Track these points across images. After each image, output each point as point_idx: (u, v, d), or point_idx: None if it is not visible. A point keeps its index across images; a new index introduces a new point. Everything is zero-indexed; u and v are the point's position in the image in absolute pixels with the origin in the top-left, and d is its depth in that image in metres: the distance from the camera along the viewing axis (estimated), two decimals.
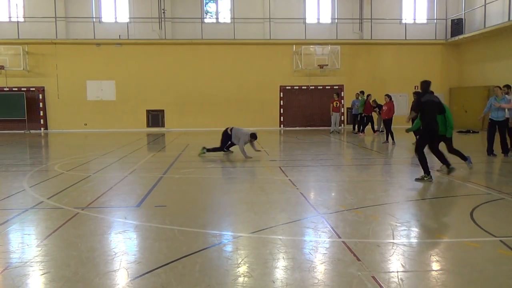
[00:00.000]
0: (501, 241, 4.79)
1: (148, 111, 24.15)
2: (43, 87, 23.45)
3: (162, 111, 24.21)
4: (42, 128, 23.57)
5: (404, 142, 15.97)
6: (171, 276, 3.89)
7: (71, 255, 4.43)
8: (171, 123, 24.15)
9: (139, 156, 13.04)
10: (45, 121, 23.66)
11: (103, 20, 24.05)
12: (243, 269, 4.06)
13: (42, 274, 3.98)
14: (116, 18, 24.21)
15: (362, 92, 20.40)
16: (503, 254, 4.43)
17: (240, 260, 4.29)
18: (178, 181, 8.73)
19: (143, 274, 3.93)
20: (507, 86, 12.71)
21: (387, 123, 15.92)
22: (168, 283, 3.73)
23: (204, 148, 12.48)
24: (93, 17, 23.62)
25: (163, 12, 23.51)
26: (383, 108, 16.21)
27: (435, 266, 4.17)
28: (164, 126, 24.21)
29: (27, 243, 4.89)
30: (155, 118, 24.27)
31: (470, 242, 4.79)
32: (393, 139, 15.59)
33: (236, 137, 12.07)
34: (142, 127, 24.02)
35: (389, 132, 15.79)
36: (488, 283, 3.77)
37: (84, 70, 23.46)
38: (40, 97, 23.47)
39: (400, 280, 3.75)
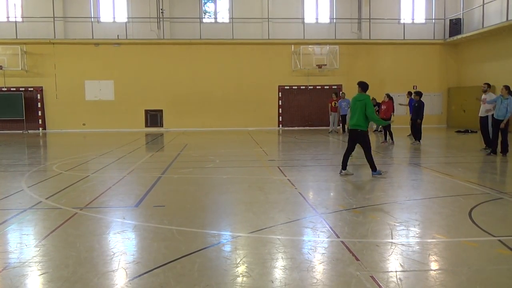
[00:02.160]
0: (499, 240, 4.80)
1: (146, 111, 24.13)
2: (42, 87, 23.41)
3: (161, 111, 24.20)
4: (40, 128, 23.54)
5: (403, 142, 16.00)
6: (170, 276, 3.88)
7: (69, 255, 4.42)
8: (170, 123, 24.14)
9: (137, 156, 13.03)
10: (44, 121, 23.63)
11: (102, 20, 24.02)
12: (242, 269, 4.06)
13: (40, 274, 3.97)
14: (114, 18, 24.19)
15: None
16: (502, 254, 4.44)
17: (239, 260, 4.29)
18: (176, 181, 8.73)
19: (142, 274, 3.93)
20: (488, 85, 12.79)
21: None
22: (166, 283, 3.73)
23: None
24: (91, 17, 23.59)
25: (162, 12, 23.49)
26: (382, 107, 16.17)
27: (434, 265, 4.17)
28: (162, 126, 24.19)
29: (26, 243, 4.88)
30: (154, 118, 24.25)
31: (468, 241, 4.80)
32: (392, 139, 15.59)
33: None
34: (141, 127, 24.00)
35: (387, 131, 15.77)
36: (487, 282, 3.77)
37: (83, 70, 23.43)
38: (39, 97, 23.43)
39: (398, 280, 3.75)
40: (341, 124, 20.87)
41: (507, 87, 11.77)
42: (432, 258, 4.35)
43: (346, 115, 20.17)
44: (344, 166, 9.04)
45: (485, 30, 21.28)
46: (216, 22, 24.88)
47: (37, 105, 23.47)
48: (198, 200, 7.17)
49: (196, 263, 4.19)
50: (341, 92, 21.72)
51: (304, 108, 24.68)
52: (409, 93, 17.76)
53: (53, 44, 23.13)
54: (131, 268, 4.08)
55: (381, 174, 8.85)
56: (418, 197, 7.25)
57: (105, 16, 24.15)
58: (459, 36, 23.51)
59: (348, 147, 9.09)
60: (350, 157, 9.22)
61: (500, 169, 10.34)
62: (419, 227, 5.38)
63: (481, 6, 21.91)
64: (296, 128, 24.41)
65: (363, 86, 9.07)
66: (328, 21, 24.98)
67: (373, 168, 8.88)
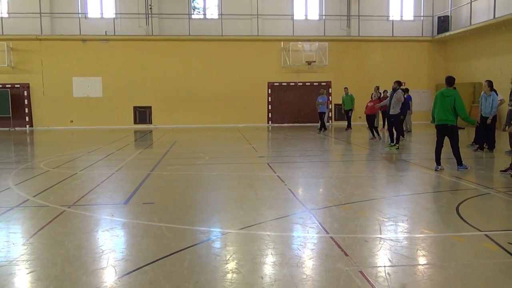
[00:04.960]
0: (486, 235, 4.86)
1: (135, 108, 23.98)
2: (28, 83, 23.12)
3: (150, 107, 24.06)
4: (27, 125, 23.27)
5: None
6: (159, 273, 3.87)
7: (57, 253, 4.38)
8: (159, 120, 24.02)
9: (126, 153, 12.95)
10: (30, 118, 23.36)
11: (89, 16, 23.78)
12: (231, 265, 4.06)
13: (28, 273, 3.93)
14: (102, 14, 23.95)
15: (347, 89, 20.54)
16: (488, 248, 4.49)
17: (229, 256, 4.29)
18: (166, 178, 8.69)
19: (131, 272, 3.91)
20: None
21: (370, 119, 15.84)
22: (156, 280, 3.72)
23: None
24: (78, 13, 23.33)
25: (150, 8, 23.33)
26: (368, 104, 16.12)
27: (422, 260, 4.22)
28: (151, 123, 24.07)
29: (13, 242, 4.82)
30: (142, 114, 24.11)
31: (456, 236, 4.85)
32: (378, 134, 15.70)
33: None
34: (129, 124, 23.85)
35: (372, 128, 15.76)
36: (474, 276, 3.82)
37: (70, 66, 23.19)
38: (25, 94, 23.15)
39: (387, 275, 3.78)
40: (320, 122, 19.90)
41: (490, 84, 11.87)
42: (420, 253, 4.39)
43: (324, 112, 19.71)
44: (438, 162, 9.03)
45: (472, 27, 21.48)
46: (205, 18, 24.79)
47: (24, 102, 23.19)
48: (187, 197, 7.15)
49: (186, 260, 4.18)
50: (321, 89, 20.93)
51: (294, 105, 24.72)
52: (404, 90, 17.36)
53: (40, 40, 22.86)
54: (120, 266, 4.06)
55: (467, 168, 8.91)
56: (406, 193, 7.31)
57: (93, 12, 23.89)
58: (447, 34, 23.70)
59: (438, 142, 9.14)
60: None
61: (486, 165, 10.46)
62: (407, 223, 5.43)
63: (469, 4, 22.10)
64: (285, 124, 24.44)
65: (449, 81, 8.96)
66: (317, 17, 25.03)
67: (459, 162, 8.95)
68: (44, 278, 3.79)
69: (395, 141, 12.89)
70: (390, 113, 12.93)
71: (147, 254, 4.34)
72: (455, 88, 9.17)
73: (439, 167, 9.02)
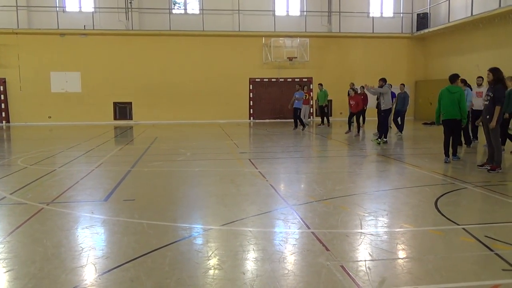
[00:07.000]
0: (463, 229, 4.96)
1: (115, 104, 23.68)
2: (4, 78, 22.61)
3: (130, 103, 23.79)
4: (4, 121, 22.77)
5: (370, 134, 16.24)
6: (140, 270, 3.84)
7: (36, 251, 4.31)
8: (139, 116, 23.77)
9: (106, 150, 12.79)
10: (7, 113, 22.86)
11: (67, 9, 23.33)
12: (213, 261, 4.06)
13: (6, 272, 3.86)
14: (80, 7, 23.53)
15: (321, 85, 20.62)
16: (466, 241, 4.59)
17: (211, 252, 4.29)
18: (147, 174, 8.62)
19: (112, 269, 3.87)
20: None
21: (356, 115, 16.06)
22: (137, 278, 3.69)
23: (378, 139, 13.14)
24: (56, 6, 22.88)
25: (130, 2, 23.00)
26: (351, 102, 16.27)
27: (401, 254, 4.28)
28: (132, 119, 23.81)
29: None
30: (123, 110, 23.82)
31: (434, 230, 4.94)
32: (358, 130, 15.89)
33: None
34: (109, 119, 23.55)
35: (354, 122, 15.94)
36: (452, 269, 3.89)
37: (48, 61, 22.74)
38: (1, 89, 22.63)
39: (367, 269, 3.83)
40: (294, 119, 19.01)
41: (462, 80, 12.04)
42: (400, 247, 4.46)
43: (299, 108, 18.67)
44: (447, 154, 9.62)
45: (450, 24, 21.84)
46: (186, 13, 24.58)
47: (0, 97, 22.67)
48: (169, 193, 7.11)
49: (167, 256, 4.16)
50: (296, 85, 20.16)
51: (275, 101, 24.75)
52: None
53: (16, 34, 22.34)
54: (101, 263, 4.02)
55: (459, 159, 9.78)
56: (386, 188, 7.41)
57: (71, 5, 23.45)
58: (426, 30, 24.04)
59: (446, 136, 9.64)
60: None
61: (464, 160, 10.64)
62: (387, 217, 5.50)
63: (447, 1, 22.46)
64: (267, 120, 24.48)
65: (452, 78, 9.53)
66: (298, 13, 25.07)
67: (455, 152, 9.76)
68: (22, 277, 3.73)
69: (383, 136, 13.08)
70: (382, 108, 13.15)
71: (128, 251, 4.31)
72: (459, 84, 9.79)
73: (448, 159, 9.58)
